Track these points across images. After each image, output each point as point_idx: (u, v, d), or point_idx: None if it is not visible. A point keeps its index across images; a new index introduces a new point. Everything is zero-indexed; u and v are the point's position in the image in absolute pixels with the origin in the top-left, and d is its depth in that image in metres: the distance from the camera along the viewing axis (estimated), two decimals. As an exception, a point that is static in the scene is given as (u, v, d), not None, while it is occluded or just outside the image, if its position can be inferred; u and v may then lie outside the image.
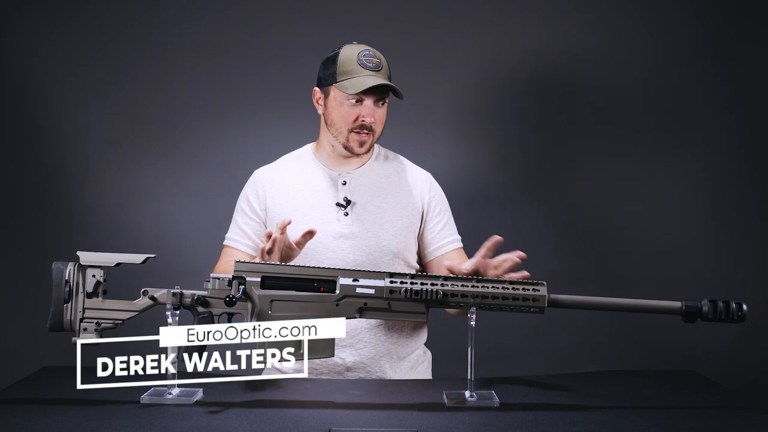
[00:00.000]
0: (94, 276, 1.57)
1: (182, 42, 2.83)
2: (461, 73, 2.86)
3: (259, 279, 1.58)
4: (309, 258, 1.97)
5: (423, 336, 2.11)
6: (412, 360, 2.06)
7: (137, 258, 1.58)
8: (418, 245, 2.08)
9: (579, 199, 2.87)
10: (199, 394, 1.63)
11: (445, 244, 2.07)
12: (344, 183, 2.01)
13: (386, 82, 1.92)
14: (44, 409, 1.53)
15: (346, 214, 1.99)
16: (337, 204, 2.00)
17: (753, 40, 2.81)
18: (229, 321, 1.61)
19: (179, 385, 1.62)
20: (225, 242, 2.08)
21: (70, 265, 1.57)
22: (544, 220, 2.87)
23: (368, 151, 2.02)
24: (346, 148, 1.98)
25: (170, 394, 1.60)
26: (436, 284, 1.58)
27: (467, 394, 1.61)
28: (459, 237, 2.11)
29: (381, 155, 2.09)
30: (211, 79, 2.85)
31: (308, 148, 2.10)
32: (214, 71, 2.85)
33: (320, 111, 2.02)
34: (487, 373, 1.82)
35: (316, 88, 2.02)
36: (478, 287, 1.57)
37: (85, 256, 1.57)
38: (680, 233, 2.86)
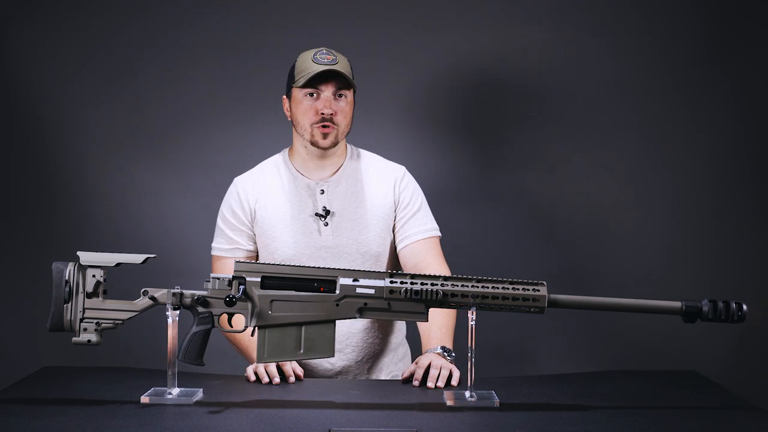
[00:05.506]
0: (94, 276, 1.57)
1: (183, 43, 2.83)
2: (454, 75, 2.85)
3: (259, 279, 1.58)
4: None
5: (403, 329, 2.14)
6: (400, 354, 2.10)
7: (137, 258, 1.58)
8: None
9: (578, 199, 2.87)
10: (199, 394, 1.63)
11: (410, 235, 2.03)
12: (322, 192, 2.01)
13: (332, 68, 1.92)
14: (44, 409, 1.53)
15: (326, 224, 1.99)
16: (317, 214, 1.99)
17: (753, 40, 2.81)
18: (229, 321, 1.61)
19: (179, 385, 1.62)
20: (215, 253, 2.06)
21: (70, 265, 1.57)
22: (544, 219, 2.87)
23: (334, 144, 1.99)
24: (312, 144, 1.97)
25: (170, 394, 1.60)
26: (436, 284, 1.58)
27: (467, 394, 1.61)
28: (432, 227, 2.06)
29: (354, 157, 2.08)
30: (212, 80, 2.85)
31: (283, 155, 2.08)
32: (214, 72, 2.85)
33: (288, 116, 2.03)
34: (487, 373, 1.82)
35: (284, 97, 2.04)
36: (478, 287, 1.57)
37: (85, 256, 1.57)
38: (680, 233, 2.86)
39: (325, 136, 1.96)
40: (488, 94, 2.87)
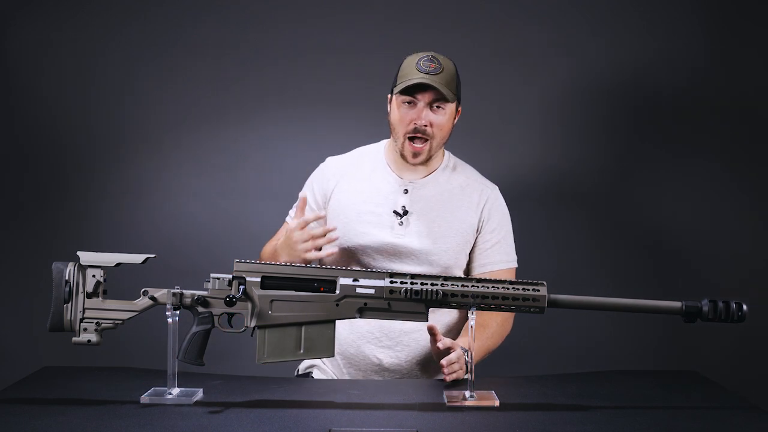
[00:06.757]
0: (94, 276, 1.57)
1: (183, 42, 2.83)
2: (489, 79, 2.84)
3: (259, 279, 1.58)
4: (355, 262, 1.98)
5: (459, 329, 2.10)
6: None
7: (137, 258, 1.58)
8: (468, 258, 2.06)
9: (581, 200, 2.87)
10: (199, 394, 1.63)
11: (491, 263, 2.04)
12: (406, 191, 2.01)
13: (428, 81, 1.89)
14: (44, 409, 1.53)
15: (401, 224, 1.99)
16: (395, 212, 2.00)
17: (753, 40, 2.81)
18: (229, 321, 1.61)
19: (179, 385, 1.62)
20: (287, 219, 2.11)
21: (70, 265, 1.57)
22: (546, 219, 2.87)
23: (424, 162, 1.99)
24: (402, 155, 1.98)
25: (170, 394, 1.60)
26: (436, 284, 1.57)
27: (467, 394, 1.61)
28: (513, 258, 2.07)
29: (449, 166, 2.07)
30: (212, 80, 2.85)
31: (382, 145, 2.10)
32: (214, 72, 2.85)
33: (389, 116, 2.02)
34: (487, 373, 1.82)
35: (389, 95, 2.02)
36: (478, 287, 1.57)
37: (85, 256, 1.57)
38: (681, 233, 2.86)
39: (415, 155, 1.96)
40: (495, 94, 2.87)
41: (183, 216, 2.86)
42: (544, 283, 1.58)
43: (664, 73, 2.83)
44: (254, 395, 1.66)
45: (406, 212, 2.00)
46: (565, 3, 2.83)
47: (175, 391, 1.61)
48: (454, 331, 2.06)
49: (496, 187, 2.10)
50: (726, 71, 2.82)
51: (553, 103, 2.86)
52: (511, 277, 2.05)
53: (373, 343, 1.99)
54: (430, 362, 2.02)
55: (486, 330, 1.96)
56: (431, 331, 1.76)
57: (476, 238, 2.04)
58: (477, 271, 2.05)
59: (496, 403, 1.58)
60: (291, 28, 2.83)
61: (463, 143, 2.83)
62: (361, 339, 1.99)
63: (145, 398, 1.58)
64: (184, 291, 1.58)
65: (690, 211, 2.86)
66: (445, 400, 1.61)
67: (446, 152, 2.09)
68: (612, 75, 2.84)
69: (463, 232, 2.02)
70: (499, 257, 2.05)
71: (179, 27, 2.83)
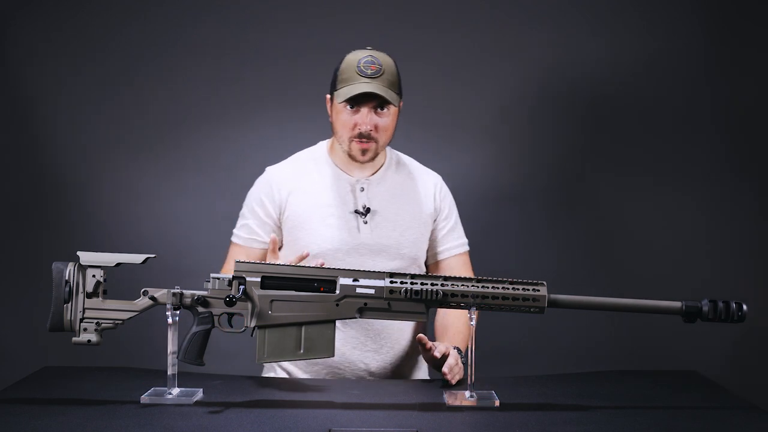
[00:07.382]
0: (94, 276, 1.57)
1: (182, 43, 2.83)
2: (489, 78, 2.85)
3: (259, 279, 1.58)
4: (328, 266, 1.95)
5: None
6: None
7: (137, 258, 1.58)
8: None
9: (581, 200, 2.87)
10: (199, 394, 1.63)
11: (448, 249, 2.06)
12: (362, 189, 1.99)
13: (373, 90, 1.86)
14: (44, 409, 1.53)
15: (366, 222, 1.97)
16: (356, 211, 1.98)
17: (753, 40, 2.81)
18: (229, 321, 1.61)
19: (179, 385, 1.62)
20: (234, 240, 2.02)
21: (70, 265, 1.57)
22: (546, 219, 2.87)
23: (372, 159, 1.96)
24: (349, 155, 1.95)
25: (170, 394, 1.60)
26: (436, 284, 1.57)
27: (467, 394, 1.61)
28: (465, 241, 2.10)
29: (394, 160, 2.06)
30: (211, 80, 2.85)
31: (323, 148, 2.05)
32: (214, 72, 2.85)
33: (330, 117, 1.99)
34: (487, 373, 1.82)
35: (327, 95, 2.00)
36: (478, 287, 1.57)
37: (85, 256, 1.57)
38: (681, 233, 2.86)
39: (363, 152, 1.93)
40: (494, 94, 2.87)
41: (183, 216, 2.86)
42: (544, 283, 1.58)
43: (665, 73, 2.83)
44: (254, 395, 1.66)
45: (368, 210, 1.98)
46: (565, 3, 2.83)
47: (175, 391, 1.61)
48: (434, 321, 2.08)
49: (439, 176, 2.11)
50: (726, 71, 2.82)
51: (553, 102, 2.86)
52: (468, 259, 2.09)
53: (358, 349, 1.97)
54: (411, 360, 2.03)
55: (463, 317, 1.94)
56: (421, 342, 1.79)
57: (434, 226, 2.06)
58: (439, 258, 2.06)
59: (496, 403, 1.58)
60: (291, 28, 2.83)
61: (464, 142, 2.86)
62: (345, 345, 1.95)
63: (145, 398, 1.58)
64: (184, 291, 1.58)
65: (690, 211, 2.86)
66: (445, 400, 1.61)
67: (387, 147, 2.05)
68: (612, 75, 2.85)
69: (424, 222, 2.03)
70: (455, 242, 2.07)
71: (179, 27, 2.83)
